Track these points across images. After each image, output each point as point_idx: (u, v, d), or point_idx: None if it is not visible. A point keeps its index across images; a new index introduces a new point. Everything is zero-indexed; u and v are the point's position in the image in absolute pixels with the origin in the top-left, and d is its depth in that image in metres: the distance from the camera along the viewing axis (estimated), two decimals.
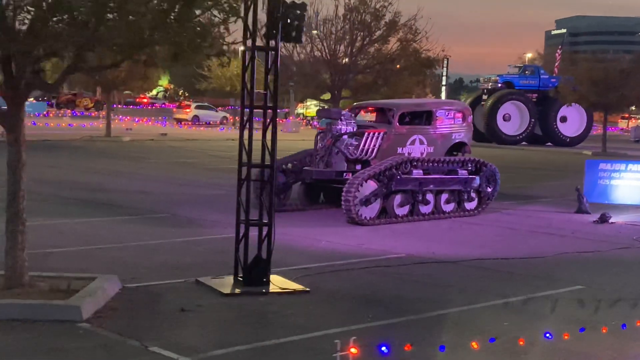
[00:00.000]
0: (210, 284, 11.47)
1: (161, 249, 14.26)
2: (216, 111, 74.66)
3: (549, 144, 59.38)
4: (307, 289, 11.44)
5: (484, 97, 60.37)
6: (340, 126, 19.10)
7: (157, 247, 14.47)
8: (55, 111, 78.54)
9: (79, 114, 75.56)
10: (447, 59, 60.61)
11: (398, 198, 18.60)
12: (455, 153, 21.07)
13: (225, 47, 10.49)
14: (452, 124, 20.78)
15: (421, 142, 20.03)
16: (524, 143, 59.01)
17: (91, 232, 15.66)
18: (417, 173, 18.91)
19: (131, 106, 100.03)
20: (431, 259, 14.32)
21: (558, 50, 73.93)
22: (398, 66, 44.58)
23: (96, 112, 77.46)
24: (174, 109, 79.78)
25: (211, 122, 70.31)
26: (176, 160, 32.95)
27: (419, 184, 18.84)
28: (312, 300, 11.03)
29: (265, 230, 11.63)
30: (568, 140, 58.92)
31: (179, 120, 69.89)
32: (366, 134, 19.20)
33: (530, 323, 10.30)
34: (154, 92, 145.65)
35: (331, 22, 43.84)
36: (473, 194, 20.21)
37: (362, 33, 43.69)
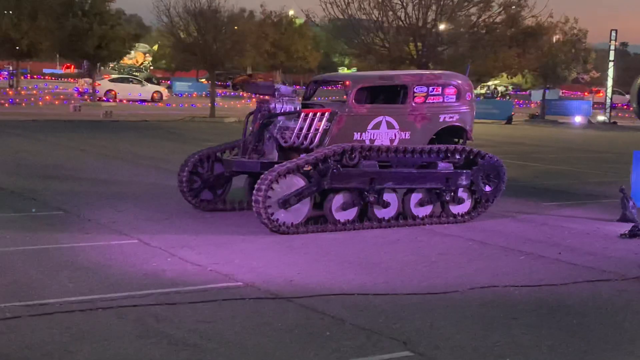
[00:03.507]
0: None
1: None
2: None
3: None
4: None
5: None
6: (273, 104, 14.87)
7: None
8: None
9: (228, 93, 73.68)
10: (614, 31, 53.36)
11: (339, 199, 14.14)
12: (456, 140, 16.25)
13: None
14: (440, 102, 15.76)
15: (390, 126, 15.21)
16: None
17: None
18: (369, 165, 14.36)
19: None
20: (261, 292, 10.00)
21: None
22: (496, 31, 38.18)
23: None
24: None
25: None
26: None
27: (370, 180, 14.30)
28: None
29: None
30: None
31: None
32: (302, 114, 14.80)
33: None
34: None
35: None
36: (463, 194, 15.41)
37: None
